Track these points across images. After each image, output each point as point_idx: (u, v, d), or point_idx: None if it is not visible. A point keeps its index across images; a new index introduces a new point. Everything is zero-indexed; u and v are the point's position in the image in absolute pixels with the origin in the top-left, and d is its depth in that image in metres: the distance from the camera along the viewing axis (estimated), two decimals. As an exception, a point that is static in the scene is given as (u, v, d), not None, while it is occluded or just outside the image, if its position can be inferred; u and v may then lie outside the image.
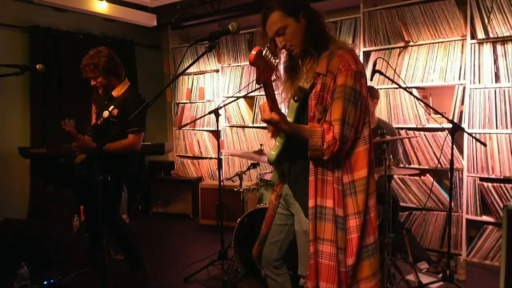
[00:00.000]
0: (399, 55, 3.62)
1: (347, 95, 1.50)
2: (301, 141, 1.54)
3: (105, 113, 2.69)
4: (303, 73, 1.65)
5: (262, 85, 1.43)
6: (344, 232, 1.55)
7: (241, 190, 3.29)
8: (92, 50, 2.74)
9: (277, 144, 1.69)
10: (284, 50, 1.67)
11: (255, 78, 1.40)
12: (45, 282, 2.75)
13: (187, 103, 5.22)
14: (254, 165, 3.54)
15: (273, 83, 1.96)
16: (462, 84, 3.29)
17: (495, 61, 3.15)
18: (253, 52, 1.32)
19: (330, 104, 1.52)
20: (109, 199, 2.69)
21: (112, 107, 2.70)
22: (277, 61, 1.42)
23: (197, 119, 4.89)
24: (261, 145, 3.32)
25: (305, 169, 1.61)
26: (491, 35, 3.11)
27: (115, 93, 2.80)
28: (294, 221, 1.77)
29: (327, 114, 1.53)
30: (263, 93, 1.50)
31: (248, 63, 4.54)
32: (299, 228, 1.73)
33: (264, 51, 1.34)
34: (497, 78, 3.15)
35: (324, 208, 1.56)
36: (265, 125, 1.68)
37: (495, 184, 3.15)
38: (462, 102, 3.30)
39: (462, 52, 3.32)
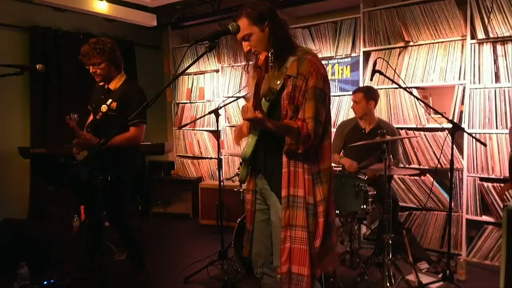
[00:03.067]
0: (399, 55, 3.62)
1: (317, 96, 1.68)
2: (274, 137, 1.70)
3: (104, 107, 2.64)
4: (266, 77, 1.77)
5: (256, 86, 1.53)
6: (315, 217, 1.73)
7: (241, 190, 3.29)
8: (94, 39, 2.73)
9: (250, 141, 1.84)
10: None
11: (257, 79, 1.50)
12: (45, 282, 2.76)
13: (187, 103, 5.22)
14: (254, 165, 3.54)
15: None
16: (462, 84, 3.29)
17: (495, 61, 3.15)
18: (261, 57, 1.46)
19: (301, 103, 1.69)
20: (115, 197, 2.67)
21: (110, 100, 2.66)
22: (270, 64, 1.57)
23: (197, 119, 4.89)
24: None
25: (279, 163, 1.75)
26: (491, 35, 3.11)
27: (112, 86, 2.75)
28: (271, 212, 1.85)
29: (299, 112, 1.69)
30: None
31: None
32: (275, 218, 1.82)
33: (270, 56, 1.49)
34: (497, 78, 3.15)
35: (297, 196, 1.72)
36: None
37: (495, 184, 3.15)
38: (462, 102, 3.30)
39: (462, 52, 3.32)
